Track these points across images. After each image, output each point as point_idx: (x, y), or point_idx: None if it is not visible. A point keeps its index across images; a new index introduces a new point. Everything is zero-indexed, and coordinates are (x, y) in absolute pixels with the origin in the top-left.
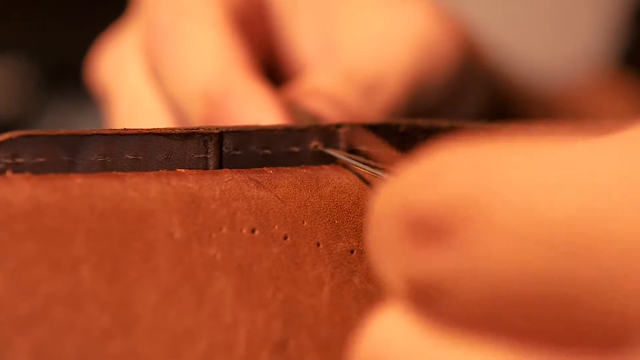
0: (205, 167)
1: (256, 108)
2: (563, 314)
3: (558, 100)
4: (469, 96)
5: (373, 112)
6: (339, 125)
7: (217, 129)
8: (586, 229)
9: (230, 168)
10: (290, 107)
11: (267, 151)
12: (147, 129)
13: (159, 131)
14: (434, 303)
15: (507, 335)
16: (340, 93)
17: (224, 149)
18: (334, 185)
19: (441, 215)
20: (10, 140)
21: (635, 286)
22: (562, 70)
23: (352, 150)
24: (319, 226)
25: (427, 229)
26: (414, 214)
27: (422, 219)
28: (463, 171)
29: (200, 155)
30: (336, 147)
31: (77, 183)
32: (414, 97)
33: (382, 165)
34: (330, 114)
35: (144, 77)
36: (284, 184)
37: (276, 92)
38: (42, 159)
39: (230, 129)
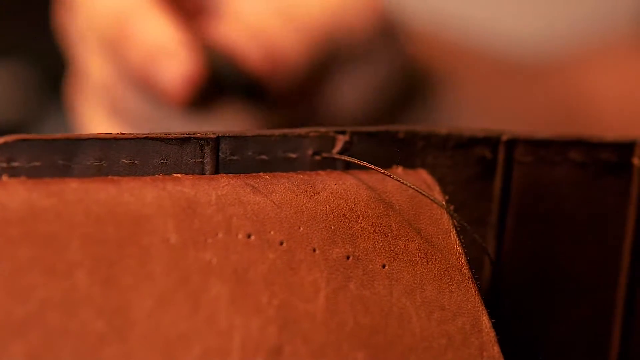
0: (202, 172)
1: (154, 28)
2: None
3: (552, 70)
4: (377, 61)
5: (293, 43)
6: (338, 132)
7: (213, 133)
8: None
9: (227, 173)
10: (201, 36)
11: (264, 157)
12: (144, 134)
13: (155, 136)
14: None
15: None
16: (263, 22)
17: (220, 154)
18: (330, 191)
19: None
20: (5, 144)
21: None
22: (560, 37)
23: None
24: (315, 232)
25: None
26: None
27: None
28: None
29: (196, 160)
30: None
31: (72, 187)
32: (330, 35)
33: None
34: (247, 43)
35: None
36: (280, 190)
37: (186, 18)
38: (37, 163)
39: (227, 134)
